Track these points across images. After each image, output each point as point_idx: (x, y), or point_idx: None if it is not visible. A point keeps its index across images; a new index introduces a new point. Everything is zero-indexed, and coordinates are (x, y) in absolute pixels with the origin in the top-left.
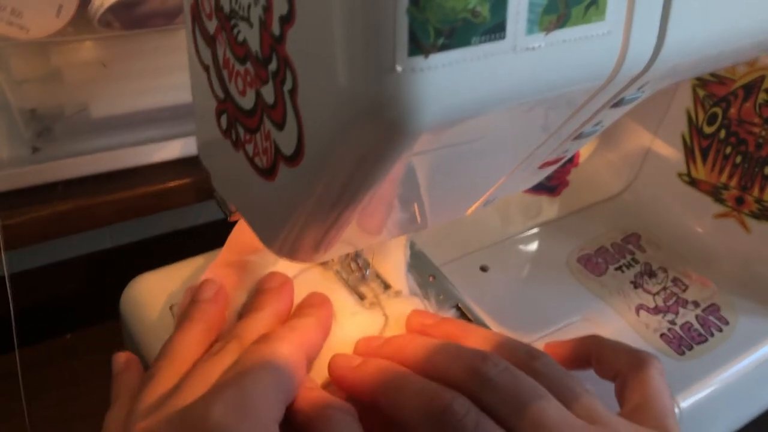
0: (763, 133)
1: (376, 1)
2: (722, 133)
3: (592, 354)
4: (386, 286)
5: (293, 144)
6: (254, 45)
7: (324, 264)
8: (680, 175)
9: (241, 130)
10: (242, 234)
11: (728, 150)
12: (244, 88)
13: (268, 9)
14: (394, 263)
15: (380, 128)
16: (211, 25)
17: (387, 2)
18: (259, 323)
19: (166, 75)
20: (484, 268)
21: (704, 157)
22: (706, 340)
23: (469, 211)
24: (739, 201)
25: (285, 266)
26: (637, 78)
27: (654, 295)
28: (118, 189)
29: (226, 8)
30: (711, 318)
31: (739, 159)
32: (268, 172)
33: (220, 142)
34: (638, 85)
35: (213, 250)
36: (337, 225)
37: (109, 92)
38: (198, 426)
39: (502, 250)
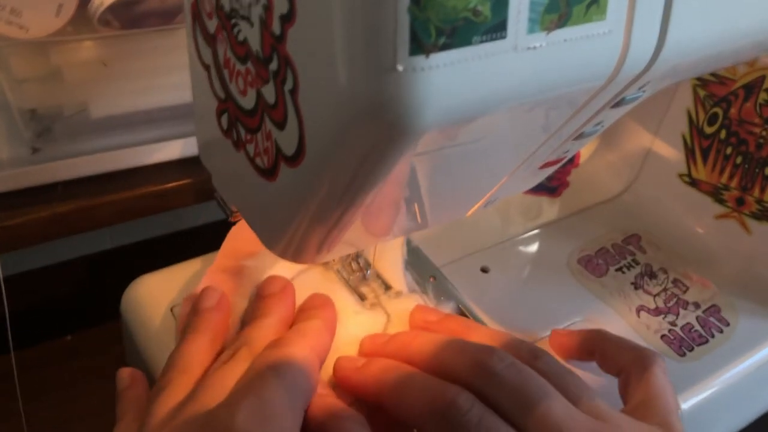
0: (764, 133)
1: (377, 0)
2: (723, 134)
3: (596, 348)
4: (387, 287)
5: (294, 144)
6: (255, 44)
7: (325, 265)
8: (681, 175)
9: (241, 130)
10: (236, 239)
11: (729, 150)
12: (244, 88)
13: (268, 8)
14: (391, 261)
15: (381, 128)
16: (212, 25)
17: (388, 1)
18: (266, 330)
19: (166, 74)
20: (484, 269)
21: (705, 157)
22: (707, 341)
23: (470, 211)
24: (740, 202)
25: (282, 269)
26: (638, 77)
27: (654, 296)
28: (118, 189)
29: (227, 7)
30: (712, 319)
31: (739, 159)
32: (269, 173)
33: (221, 142)
34: (639, 85)
35: (213, 251)
36: (339, 226)
37: (109, 92)
38: None
39: (503, 251)
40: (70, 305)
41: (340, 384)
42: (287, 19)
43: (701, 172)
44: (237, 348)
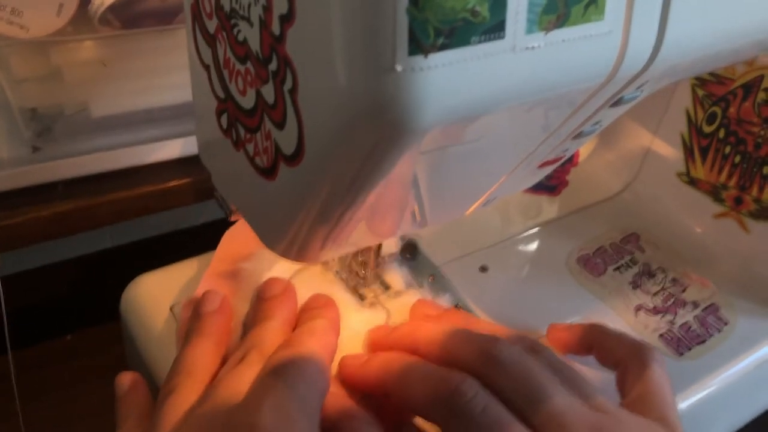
0: (762, 132)
1: (376, 0)
2: (721, 133)
3: (594, 342)
4: (386, 287)
5: (293, 144)
6: (254, 44)
7: (324, 265)
8: (679, 174)
9: (241, 130)
10: (231, 243)
11: (727, 149)
12: (244, 88)
13: (268, 8)
14: (385, 257)
15: (380, 128)
16: (212, 25)
17: (387, 2)
18: (273, 332)
19: (166, 74)
20: (483, 268)
21: (703, 156)
22: (705, 340)
23: (469, 210)
24: (738, 201)
25: (280, 270)
26: (637, 77)
27: (653, 295)
28: (118, 189)
29: (227, 7)
30: (710, 318)
31: (738, 159)
32: (269, 172)
33: (221, 141)
34: (637, 84)
35: (213, 251)
36: (338, 225)
37: (109, 92)
38: None
39: (502, 250)
40: (70, 305)
41: (345, 381)
42: (287, 19)
43: (700, 172)
44: (247, 351)
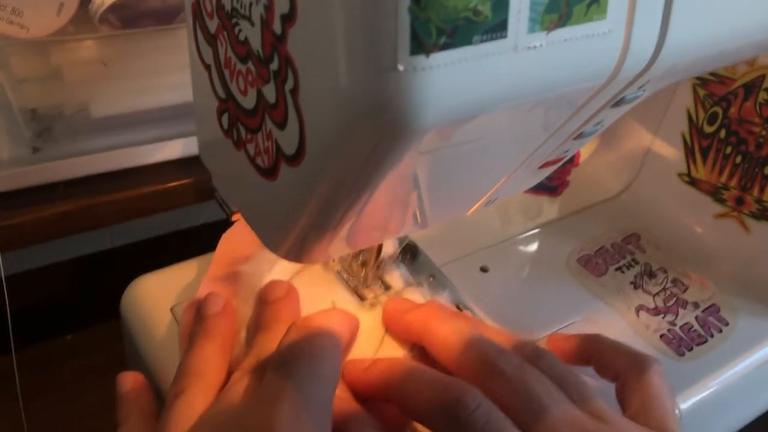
0: (764, 132)
1: (378, 0)
2: (722, 133)
3: (592, 354)
4: (387, 287)
5: (295, 144)
6: (255, 44)
7: (324, 265)
8: (680, 175)
9: (242, 130)
10: (229, 246)
11: (728, 150)
12: (245, 88)
13: (269, 8)
14: (384, 255)
15: (381, 127)
16: (212, 24)
17: (388, 1)
18: (281, 335)
19: (166, 74)
20: (484, 269)
21: (704, 156)
22: (706, 340)
23: (470, 211)
24: (739, 201)
25: (279, 272)
26: (638, 77)
27: (654, 295)
28: (119, 189)
29: (228, 7)
30: (711, 319)
31: (739, 159)
32: (270, 172)
33: (222, 141)
34: (639, 84)
35: (213, 251)
36: (339, 226)
37: (109, 92)
38: None
39: (503, 250)
40: (70, 305)
41: (349, 386)
42: (288, 18)
43: (701, 172)
44: (258, 354)
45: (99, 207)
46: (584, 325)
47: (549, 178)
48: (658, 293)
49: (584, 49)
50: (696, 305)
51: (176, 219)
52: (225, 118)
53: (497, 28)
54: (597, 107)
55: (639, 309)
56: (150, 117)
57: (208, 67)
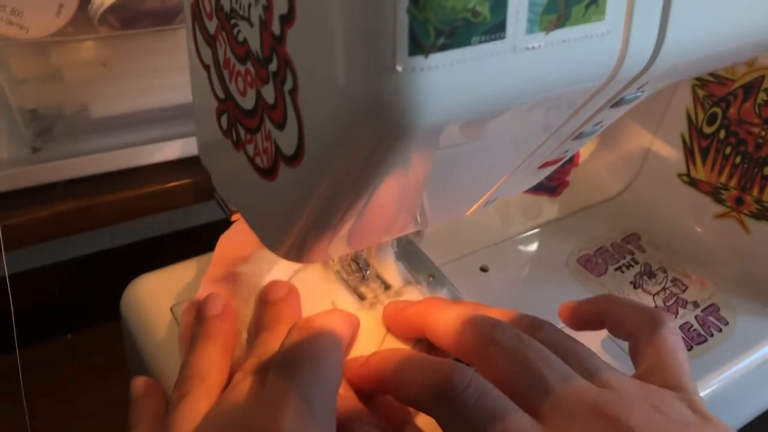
0: (763, 133)
1: (377, 0)
2: (722, 133)
3: (604, 314)
4: (387, 287)
5: (294, 144)
6: (254, 45)
7: (324, 265)
8: (680, 175)
9: (241, 130)
10: (227, 247)
11: (728, 150)
12: (244, 88)
13: (268, 8)
14: (382, 253)
15: (380, 128)
16: (212, 25)
17: (387, 2)
18: (282, 338)
19: (166, 75)
20: (484, 269)
21: (704, 157)
22: (706, 340)
23: (470, 211)
24: (739, 201)
25: (280, 271)
26: (637, 77)
27: (654, 295)
28: (119, 189)
29: (227, 7)
30: (710, 318)
31: (738, 159)
32: (269, 173)
33: (221, 142)
34: (638, 85)
35: (213, 251)
36: (339, 226)
37: (109, 92)
38: None
39: (502, 250)
40: (70, 305)
41: (349, 383)
42: (287, 19)
43: (700, 172)
44: (260, 355)
45: (99, 207)
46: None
47: (549, 178)
48: (657, 293)
49: (583, 50)
50: (696, 305)
51: (176, 219)
52: (224, 119)
53: (496, 28)
54: (596, 108)
55: None
56: (150, 117)
57: (207, 68)
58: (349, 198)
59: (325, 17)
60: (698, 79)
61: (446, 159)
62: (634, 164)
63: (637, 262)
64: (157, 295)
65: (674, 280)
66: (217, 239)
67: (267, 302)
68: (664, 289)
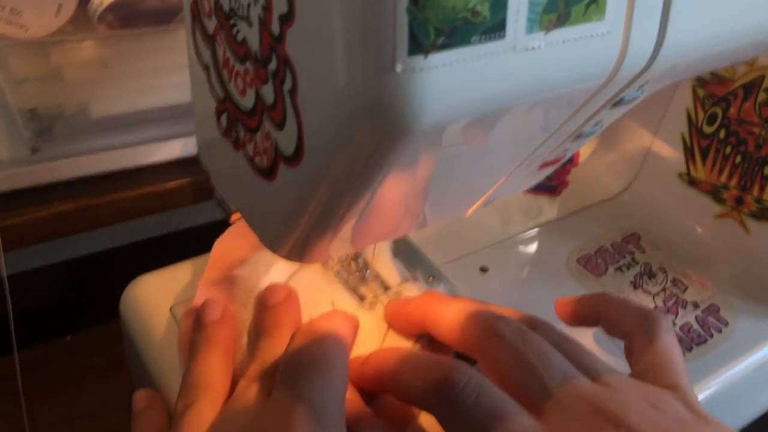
0: (763, 132)
1: (376, 0)
2: (722, 133)
3: (600, 313)
4: (386, 287)
5: (293, 144)
6: (254, 45)
7: (323, 265)
8: (680, 175)
9: (241, 130)
10: (223, 250)
11: (728, 150)
12: (243, 88)
13: (267, 8)
14: (380, 250)
15: (380, 128)
16: (211, 25)
17: (387, 2)
18: (285, 343)
19: (166, 74)
20: (484, 269)
21: (704, 157)
22: (706, 341)
23: (470, 211)
24: (739, 201)
25: (277, 273)
26: (637, 77)
27: (654, 295)
28: (118, 189)
29: (226, 7)
30: (710, 319)
31: (738, 159)
32: (268, 173)
33: (220, 142)
34: (638, 85)
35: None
36: (339, 226)
37: (109, 92)
38: None
39: (502, 250)
40: (70, 305)
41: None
42: (286, 19)
43: (700, 172)
44: (263, 361)
45: (98, 207)
46: (571, 332)
47: (548, 178)
48: (657, 293)
49: (583, 50)
50: (696, 305)
51: (175, 219)
52: (224, 119)
53: (496, 28)
54: (596, 107)
55: None
56: (150, 117)
57: (206, 68)
58: (348, 198)
59: (324, 17)
60: (698, 78)
61: (446, 159)
62: (634, 164)
63: (637, 262)
64: (156, 296)
65: (674, 281)
66: (216, 239)
67: (266, 306)
68: (664, 289)
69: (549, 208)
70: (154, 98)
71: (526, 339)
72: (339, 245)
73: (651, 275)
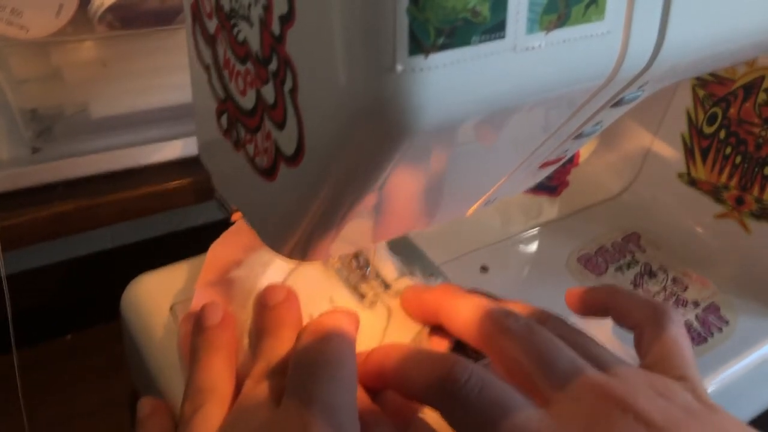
0: (763, 133)
1: (376, 0)
2: (722, 134)
3: (610, 304)
4: (386, 286)
5: (294, 144)
6: (254, 45)
7: (324, 263)
8: (680, 175)
9: (241, 130)
10: (218, 255)
11: (728, 150)
12: (244, 88)
13: (268, 8)
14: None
15: (380, 128)
16: (212, 25)
17: (387, 2)
18: (288, 342)
19: (166, 75)
20: (484, 268)
21: (704, 157)
22: (706, 340)
23: (470, 211)
24: (739, 201)
25: (274, 273)
26: (637, 77)
27: (654, 295)
28: (119, 189)
29: (226, 7)
30: (711, 318)
31: (738, 159)
32: (269, 172)
33: (221, 142)
34: (638, 85)
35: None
36: (339, 226)
37: (109, 92)
38: None
39: (503, 250)
40: (70, 305)
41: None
42: (287, 19)
43: (701, 172)
44: (268, 361)
45: (99, 207)
46: (584, 324)
47: (548, 178)
48: (658, 292)
49: (583, 50)
50: (696, 304)
51: (176, 219)
52: (224, 119)
53: (496, 28)
54: (596, 107)
55: None
56: (150, 117)
57: (207, 68)
58: (349, 198)
59: (325, 17)
60: (698, 79)
61: (446, 159)
62: (635, 164)
63: (637, 262)
64: (156, 295)
65: (674, 280)
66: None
67: (267, 306)
68: (664, 288)
69: (549, 208)
70: (154, 98)
71: (534, 332)
72: (340, 244)
73: (651, 275)
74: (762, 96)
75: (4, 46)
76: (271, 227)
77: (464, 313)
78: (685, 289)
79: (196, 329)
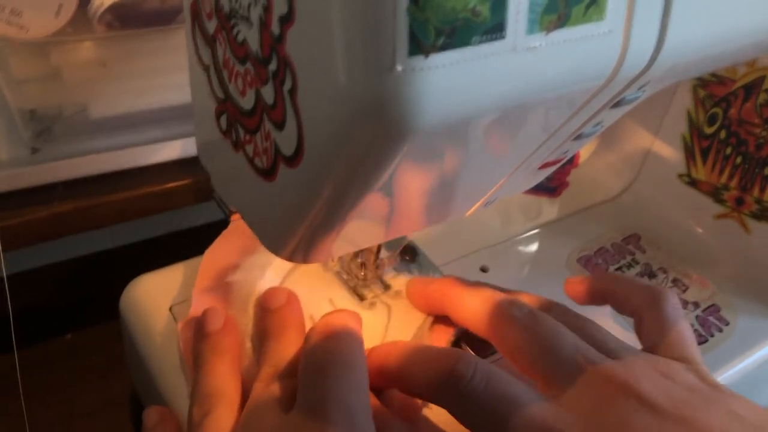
0: (764, 133)
1: (376, 0)
2: (722, 134)
3: (608, 292)
4: (386, 287)
5: (293, 144)
6: (254, 45)
7: (323, 264)
8: (680, 175)
9: (240, 131)
10: (214, 259)
11: (728, 150)
12: (244, 89)
13: (268, 9)
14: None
15: (380, 128)
16: (211, 25)
17: (387, 2)
18: (293, 345)
19: (166, 75)
20: (484, 269)
21: (704, 157)
22: (707, 340)
23: (470, 211)
24: (740, 201)
25: (272, 276)
26: (638, 78)
27: None
28: (118, 190)
29: (226, 8)
30: (711, 318)
31: (739, 159)
32: (268, 173)
33: (220, 142)
34: (638, 85)
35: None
36: (339, 226)
37: (108, 92)
38: None
39: (503, 250)
40: (70, 304)
41: None
42: (286, 19)
43: (701, 172)
44: (275, 364)
45: (99, 207)
46: (586, 313)
47: (548, 178)
48: None
49: (583, 50)
50: (696, 305)
51: (176, 219)
52: (223, 119)
53: (496, 28)
54: (596, 108)
55: None
56: (149, 117)
57: (206, 68)
58: (348, 198)
59: (324, 17)
60: (699, 79)
61: (446, 159)
62: (635, 165)
63: (637, 263)
64: (156, 295)
65: (675, 281)
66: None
67: (269, 310)
68: None
69: (549, 209)
70: (154, 98)
71: (539, 320)
72: (340, 245)
73: (651, 275)
74: (763, 96)
75: (3, 46)
76: (271, 229)
77: (469, 302)
78: (686, 290)
79: (199, 335)
